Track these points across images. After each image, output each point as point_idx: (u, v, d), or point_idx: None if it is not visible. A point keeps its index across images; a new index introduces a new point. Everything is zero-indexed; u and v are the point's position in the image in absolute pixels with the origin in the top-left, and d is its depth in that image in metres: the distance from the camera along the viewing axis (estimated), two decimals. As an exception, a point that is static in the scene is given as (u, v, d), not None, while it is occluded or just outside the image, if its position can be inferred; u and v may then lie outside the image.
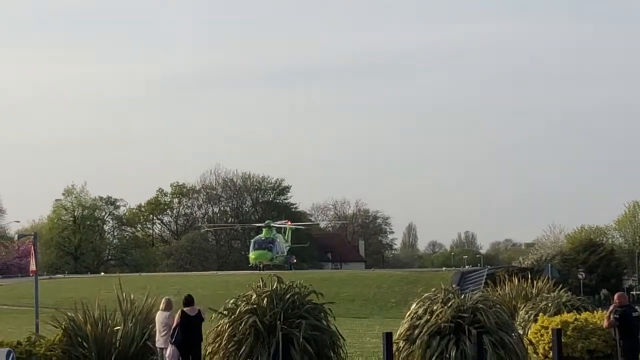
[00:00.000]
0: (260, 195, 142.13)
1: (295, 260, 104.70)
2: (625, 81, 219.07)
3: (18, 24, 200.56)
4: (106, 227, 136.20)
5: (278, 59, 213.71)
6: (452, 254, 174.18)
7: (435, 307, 28.16)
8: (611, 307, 23.77)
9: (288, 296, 27.26)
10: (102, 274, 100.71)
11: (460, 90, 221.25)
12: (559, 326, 28.56)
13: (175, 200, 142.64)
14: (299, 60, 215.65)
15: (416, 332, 27.82)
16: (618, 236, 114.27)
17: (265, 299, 27.16)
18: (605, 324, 23.96)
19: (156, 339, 23.68)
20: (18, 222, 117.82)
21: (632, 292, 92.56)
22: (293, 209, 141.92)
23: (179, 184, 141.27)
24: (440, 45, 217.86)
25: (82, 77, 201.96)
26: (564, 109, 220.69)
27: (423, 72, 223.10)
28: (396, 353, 27.31)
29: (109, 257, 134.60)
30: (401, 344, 28.03)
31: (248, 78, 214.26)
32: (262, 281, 28.04)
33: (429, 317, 27.93)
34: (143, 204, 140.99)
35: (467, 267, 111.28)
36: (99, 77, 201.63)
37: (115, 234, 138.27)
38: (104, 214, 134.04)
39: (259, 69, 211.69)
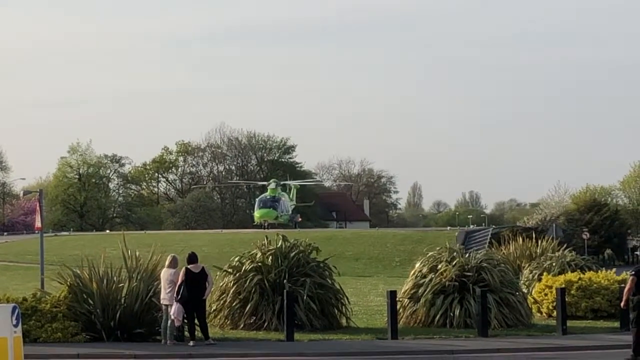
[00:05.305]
0: (265, 154, 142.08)
1: (300, 219, 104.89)
2: None
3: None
4: (111, 185, 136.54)
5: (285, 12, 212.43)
6: (457, 213, 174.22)
7: (439, 266, 28.28)
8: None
9: (293, 254, 27.35)
10: (108, 231, 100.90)
11: (465, 49, 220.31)
12: (563, 285, 28.65)
13: (181, 158, 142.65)
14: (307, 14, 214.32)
15: (420, 290, 27.97)
16: (623, 196, 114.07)
17: (270, 257, 27.26)
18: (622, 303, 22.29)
19: (161, 296, 23.76)
20: (24, 179, 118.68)
21: (636, 253, 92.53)
22: (298, 168, 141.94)
23: (184, 142, 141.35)
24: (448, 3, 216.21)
25: (86, 34, 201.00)
26: (572, 69, 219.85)
27: (426, 29, 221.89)
28: (400, 311, 27.42)
29: (114, 215, 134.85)
30: (405, 302, 28.18)
31: (253, 35, 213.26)
32: (267, 239, 28.13)
33: (433, 276, 28.06)
34: (148, 162, 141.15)
35: (471, 226, 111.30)
36: (105, 35, 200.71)
37: (121, 192, 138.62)
38: (109, 171, 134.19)
39: (265, 25, 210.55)
